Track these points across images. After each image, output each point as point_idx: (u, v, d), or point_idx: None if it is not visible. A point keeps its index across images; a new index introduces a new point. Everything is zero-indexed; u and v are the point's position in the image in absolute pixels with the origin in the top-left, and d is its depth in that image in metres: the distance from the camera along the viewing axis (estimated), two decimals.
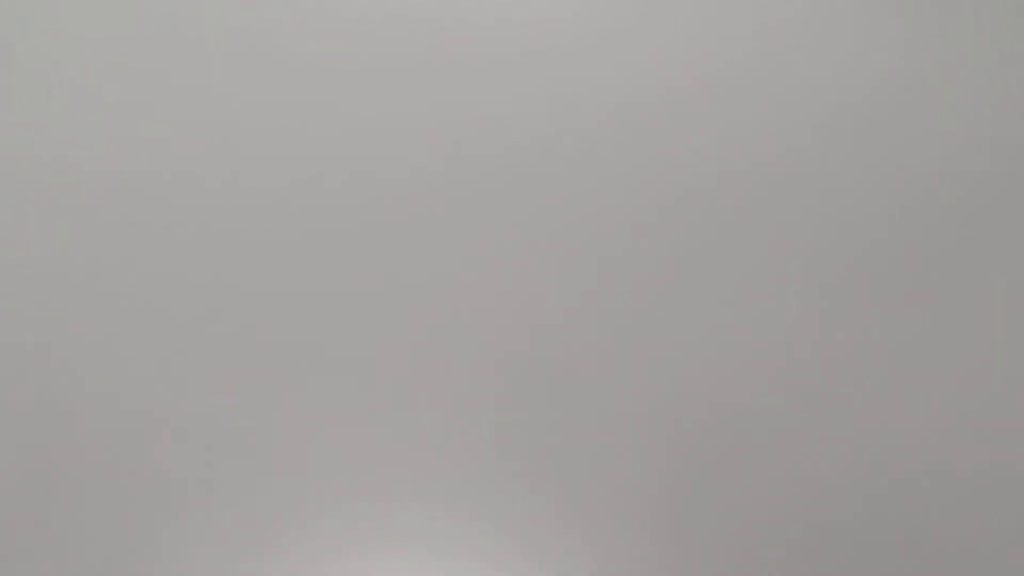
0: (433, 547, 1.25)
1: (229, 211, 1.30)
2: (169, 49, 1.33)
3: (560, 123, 1.34)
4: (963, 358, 1.31)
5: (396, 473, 1.26)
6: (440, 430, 1.27)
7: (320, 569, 1.24)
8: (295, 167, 1.32)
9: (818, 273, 1.32)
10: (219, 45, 1.33)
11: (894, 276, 1.32)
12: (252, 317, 1.29)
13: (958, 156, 1.35)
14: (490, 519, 1.26)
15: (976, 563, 1.27)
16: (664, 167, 1.33)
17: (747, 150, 1.34)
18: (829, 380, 1.30)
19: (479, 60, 1.34)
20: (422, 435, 1.27)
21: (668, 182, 1.33)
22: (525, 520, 1.26)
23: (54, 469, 1.24)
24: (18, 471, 1.24)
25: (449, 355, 1.28)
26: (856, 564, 1.26)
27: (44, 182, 1.30)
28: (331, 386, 1.28)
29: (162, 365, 1.27)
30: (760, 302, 1.31)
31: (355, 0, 1.34)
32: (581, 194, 1.32)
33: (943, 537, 1.27)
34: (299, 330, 1.28)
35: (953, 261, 1.32)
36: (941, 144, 1.35)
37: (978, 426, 1.30)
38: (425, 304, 1.29)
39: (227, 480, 1.25)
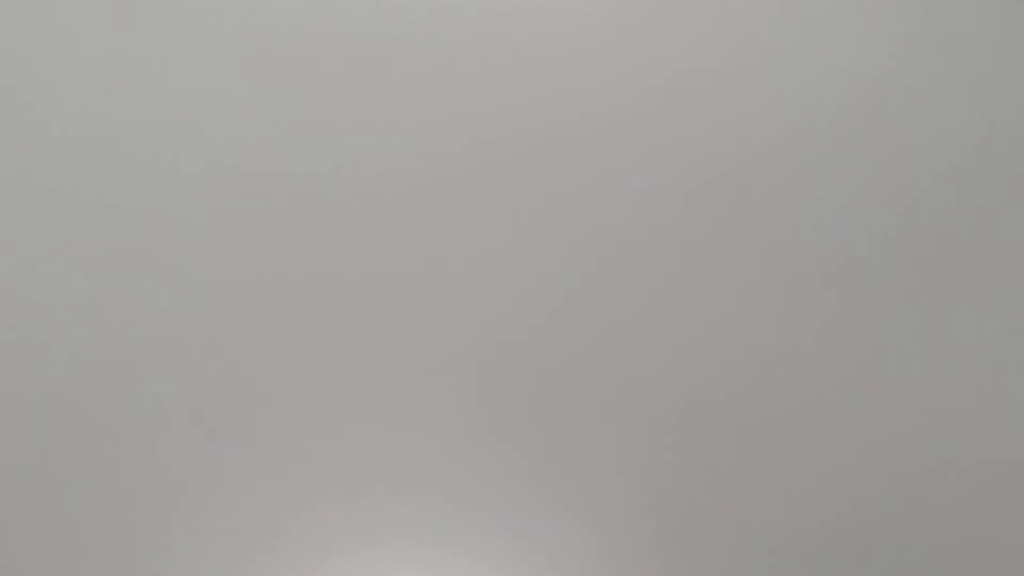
0: (437, 543, 1.25)
1: (233, 204, 1.30)
2: (177, 44, 1.34)
3: (561, 116, 1.34)
4: (971, 353, 1.31)
5: (399, 469, 1.27)
6: (444, 425, 1.27)
7: (322, 565, 1.24)
8: (296, 160, 1.32)
9: (823, 268, 1.32)
10: (237, 40, 1.34)
11: (900, 271, 1.32)
12: (253, 313, 1.29)
13: (966, 150, 1.36)
14: (494, 514, 1.26)
15: (989, 559, 1.27)
16: (667, 162, 1.34)
17: (749, 145, 1.35)
18: (835, 375, 1.30)
19: (481, 53, 1.35)
20: (426, 431, 1.27)
21: (670, 177, 1.34)
22: (528, 516, 1.26)
23: (54, 463, 1.24)
24: (16, 466, 1.24)
25: (452, 348, 1.29)
26: (864, 558, 1.27)
27: (43, 172, 1.30)
28: (332, 382, 1.28)
29: (162, 360, 1.27)
30: (765, 297, 1.31)
31: None
32: (584, 189, 1.33)
33: (950, 533, 1.28)
34: (299, 326, 1.29)
35: (960, 257, 1.33)
36: (948, 138, 1.36)
37: (985, 422, 1.30)
38: (427, 298, 1.30)
39: (229, 475, 1.25)
